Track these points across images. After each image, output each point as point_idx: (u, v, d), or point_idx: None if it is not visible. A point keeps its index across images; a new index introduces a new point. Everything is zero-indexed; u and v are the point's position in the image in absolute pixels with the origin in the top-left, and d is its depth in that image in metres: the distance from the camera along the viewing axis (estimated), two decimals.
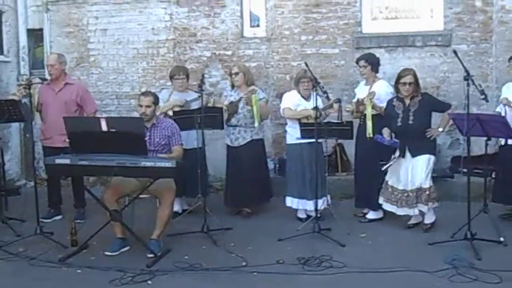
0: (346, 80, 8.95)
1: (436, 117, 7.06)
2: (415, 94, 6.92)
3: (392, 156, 6.90)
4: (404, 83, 6.83)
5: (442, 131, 7.12)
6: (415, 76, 6.90)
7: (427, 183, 6.82)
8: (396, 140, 6.91)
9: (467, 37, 8.66)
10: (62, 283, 5.56)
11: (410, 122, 6.84)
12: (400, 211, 6.96)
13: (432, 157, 6.91)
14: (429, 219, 6.97)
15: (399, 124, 6.89)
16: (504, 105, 6.99)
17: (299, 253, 6.14)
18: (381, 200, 7.12)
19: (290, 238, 6.69)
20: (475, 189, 6.63)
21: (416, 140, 6.84)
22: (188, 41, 9.55)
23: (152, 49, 9.68)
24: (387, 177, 7.07)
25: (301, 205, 7.48)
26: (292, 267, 5.81)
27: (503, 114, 6.97)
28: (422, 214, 6.95)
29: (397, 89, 6.98)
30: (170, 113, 7.36)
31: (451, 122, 6.94)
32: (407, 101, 6.91)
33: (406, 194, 6.88)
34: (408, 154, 6.87)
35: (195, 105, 7.50)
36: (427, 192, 6.79)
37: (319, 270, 5.73)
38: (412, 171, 6.85)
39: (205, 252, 6.36)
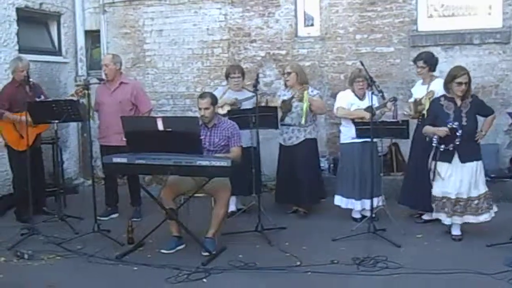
0: (402, 79, 8.86)
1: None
2: (467, 95, 6.58)
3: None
4: (460, 83, 6.43)
5: (485, 135, 6.81)
6: (469, 76, 6.55)
7: (484, 187, 6.61)
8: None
9: None
10: (119, 280, 5.64)
11: (464, 123, 6.46)
12: (448, 221, 6.65)
13: (481, 162, 6.61)
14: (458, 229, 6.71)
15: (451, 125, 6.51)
16: None
17: (354, 253, 6.10)
18: (442, 217, 6.69)
19: (345, 238, 6.66)
20: None
21: (466, 144, 6.46)
22: (243, 41, 9.59)
23: (207, 49, 9.76)
24: (440, 191, 6.66)
25: (350, 205, 7.45)
26: (347, 267, 5.77)
27: None
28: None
29: (448, 89, 6.58)
30: (220, 111, 7.38)
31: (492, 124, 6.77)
32: (459, 102, 6.55)
33: (454, 203, 6.56)
34: (456, 160, 6.50)
35: (246, 104, 7.55)
36: (484, 201, 6.58)
37: (374, 270, 5.67)
38: (473, 177, 6.52)
39: (259, 251, 6.37)
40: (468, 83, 6.52)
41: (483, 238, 6.51)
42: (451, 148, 6.43)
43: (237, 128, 6.74)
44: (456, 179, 6.50)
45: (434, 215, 6.82)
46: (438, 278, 5.44)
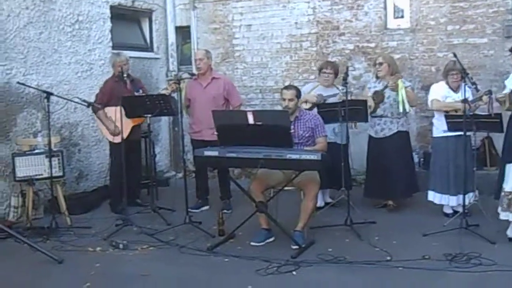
0: (495, 71, 8.60)
1: None
2: None
3: None
4: None
5: None
6: None
7: None
8: None
9: None
10: (211, 271, 5.72)
11: None
12: None
13: None
14: None
15: None
16: None
17: (446, 249, 5.98)
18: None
19: (436, 233, 6.54)
20: None
21: None
22: (331, 34, 9.55)
23: (295, 43, 9.77)
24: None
25: (444, 201, 7.32)
26: (439, 263, 5.67)
27: None
28: None
29: None
30: (303, 106, 7.37)
31: None
32: None
33: None
34: None
35: (332, 101, 7.51)
36: None
37: (467, 267, 5.55)
38: None
39: (348, 245, 6.35)
40: None
41: None
42: None
43: (320, 118, 6.75)
44: None
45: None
46: None
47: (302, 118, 6.68)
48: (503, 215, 6.41)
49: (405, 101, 7.33)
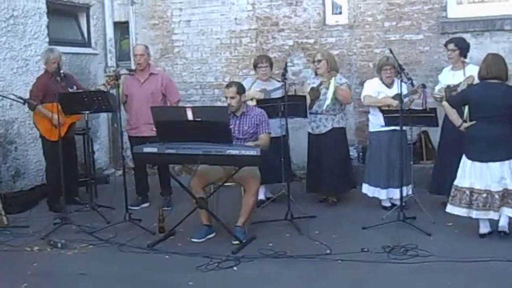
0: (431, 67, 8.76)
1: None
2: None
3: None
4: None
5: None
6: None
7: None
8: None
9: None
10: (151, 268, 5.69)
11: None
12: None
13: None
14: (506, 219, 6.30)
15: None
16: None
17: (384, 241, 6.10)
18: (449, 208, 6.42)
19: (375, 226, 6.66)
20: None
21: None
22: (271, 30, 9.57)
23: (235, 39, 9.76)
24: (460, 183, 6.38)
25: (376, 193, 7.45)
26: (377, 255, 5.78)
27: None
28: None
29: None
30: (250, 103, 7.39)
31: None
32: None
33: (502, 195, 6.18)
34: None
35: (275, 95, 7.54)
36: None
37: (404, 258, 5.68)
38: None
39: (289, 240, 6.40)
40: None
41: None
42: None
43: (266, 115, 6.76)
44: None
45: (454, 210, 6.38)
46: (469, 266, 5.42)
47: (248, 114, 6.69)
48: (463, 212, 6.24)
49: (330, 99, 7.39)
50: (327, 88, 7.42)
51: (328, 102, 7.43)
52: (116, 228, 6.80)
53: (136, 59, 7.87)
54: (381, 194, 7.41)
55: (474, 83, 6.64)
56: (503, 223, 6.21)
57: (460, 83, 6.96)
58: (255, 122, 6.65)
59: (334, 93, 7.37)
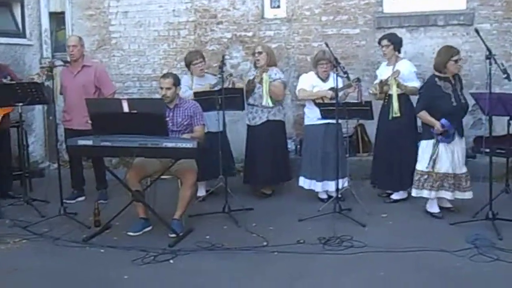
0: (367, 61, 8.91)
1: None
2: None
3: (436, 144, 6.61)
4: (457, 60, 6.62)
5: None
6: None
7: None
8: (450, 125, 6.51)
9: (490, 16, 8.55)
10: (86, 263, 5.63)
11: (463, 101, 6.64)
12: (456, 195, 6.75)
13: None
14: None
15: (454, 104, 6.56)
16: None
17: (320, 233, 6.17)
18: (426, 193, 6.75)
19: (311, 218, 6.72)
20: (497, 169, 6.63)
21: (461, 121, 6.74)
22: (209, 23, 9.54)
23: (173, 31, 9.70)
24: (421, 167, 6.76)
25: (312, 186, 7.50)
26: (313, 247, 5.84)
27: None
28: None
29: (444, 68, 6.60)
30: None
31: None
32: (452, 81, 6.68)
33: (457, 178, 6.69)
34: (457, 136, 6.62)
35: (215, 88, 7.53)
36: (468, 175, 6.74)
37: (339, 249, 5.76)
38: (460, 154, 6.68)
39: (226, 232, 6.41)
40: None
41: (446, 216, 6.66)
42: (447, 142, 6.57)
43: (199, 107, 6.75)
44: (453, 154, 6.63)
45: (416, 192, 6.80)
46: (401, 256, 5.54)
47: (181, 106, 6.65)
48: (415, 193, 6.79)
49: (267, 95, 7.45)
50: (260, 83, 7.45)
51: (265, 98, 7.46)
52: (51, 222, 6.68)
53: (69, 50, 7.70)
54: (317, 186, 7.46)
55: (400, 76, 6.93)
56: None
57: (389, 77, 7.10)
58: (189, 114, 6.61)
59: (269, 89, 7.42)
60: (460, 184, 6.70)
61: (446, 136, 6.50)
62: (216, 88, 7.41)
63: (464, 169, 6.72)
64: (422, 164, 6.72)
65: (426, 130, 6.70)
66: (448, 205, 6.89)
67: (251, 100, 7.63)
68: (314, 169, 7.41)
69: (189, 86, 7.55)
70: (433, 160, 6.59)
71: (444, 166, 6.60)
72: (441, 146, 6.56)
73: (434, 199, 6.75)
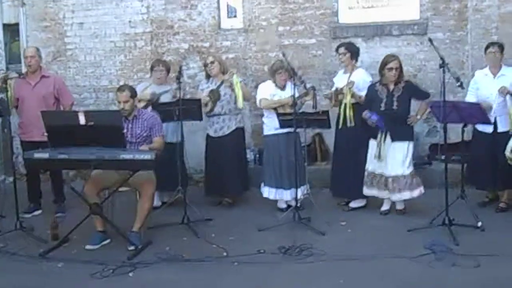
0: (324, 70, 8.97)
1: (413, 104, 7.13)
2: (399, 80, 7.00)
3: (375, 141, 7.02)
4: (391, 68, 6.90)
5: (420, 119, 7.24)
6: (399, 62, 7.01)
7: (410, 169, 7.02)
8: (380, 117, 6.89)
9: (442, 26, 8.71)
10: (44, 278, 5.54)
11: (394, 107, 6.94)
12: (382, 194, 7.15)
13: (412, 143, 7.07)
14: (401, 205, 7.21)
15: (382, 108, 6.95)
16: (506, 95, 6.80)
17: (280, 242, 6.16)
18: (364, 190, 7.22)
19: (271, 228, 6.72)
20: (453, 175, 6.72)
21: (398, 126, 6.94)
22: (166, 34, 9.51)
23: (130, 42, 9.63)
24: (367, 166, 7.18)
25: (278, 195, 7.49)
26: (273, 257, 5.85)
27: (496, 103, 6.90)
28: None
29: (382, 75, 7.03)
30: (138, 105, 7.27)
31: (428, 110, 7.05)
32: (391, 87, 6.99)
33: (384, 179, 7.06)
34: (388, 139, 6.95)
35: (165, 98, 7.51)
36: (413, 179, 7.00)
37: (299, 259, 5.77)
38: (392, 157, 6.97)
39: (186, 243, 6.37)
40: (399, 68, 6.96)
41: (404, 223, 6.73)
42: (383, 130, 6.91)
43: (158, 118, 6.72)
44: (389, 157, 6.95)
45: (367, 192, 7.21)
46: (361, 264, 5.58)
47: (140, 117, 6.60)
48: (367, 192, 7.23)
49: (241, 97, 7.48)
50: (229, 87, 7.47)
51: (240, 100, 7.48)
52: (6, 237, 6.53)
53: (27, 61, 7.60)
54: (285, 194, 7.45)
55: (355, 86, 7.09)
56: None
57: (344, 86, 7.17)
58: (148, 125, 6.57)
59: (241, 90, 7.46)
60: (393, 186, 7.02)
61: (377, 125, 6.90)
62: (162, 97, 7.43)
63: (397, 173, 6.98)
64: (367, 163, 7.23)
65: (370, 129, 7.08)
66: (400, 207, 7.20)
67: (217, 109, 7.60)
68: (280, 178, 7.42)
69: (140, 91, 7.48)
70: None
71: (371, 165, 7.12)
72: (371, 144, 7.05)
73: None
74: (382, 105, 6.96)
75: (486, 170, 7.12)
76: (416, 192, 7.04)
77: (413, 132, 7.20)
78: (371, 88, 7.13)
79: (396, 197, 7.06)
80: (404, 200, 7.14)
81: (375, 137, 7.03)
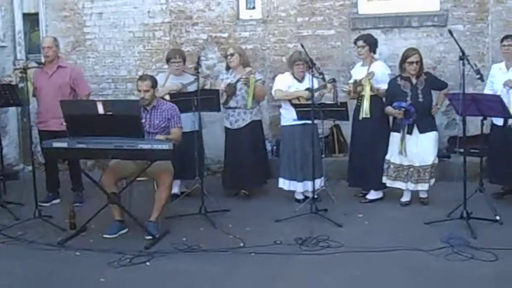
0: (342, 61, 8.93)
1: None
2: (420, 73, 7.09)
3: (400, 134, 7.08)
4: (412, 62, 7.00)
5: (439, 108, 7.34)
6: (420, 55, 7.09)
7: (437, 159, 7.15)
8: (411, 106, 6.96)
9: (463, 17, 8.63)
10: (61, 266, 5.57)
11: (420, 99, 7.02)
12: (407, 186, 7.17)
13: (437, 133, 7.22)
14: (424, 193, 7.30)
15: (408, 102, 7.01)
16: (510, 87, 6.87)
17: (297, 233, 6.17)
18: (384, 180, 7.25)
19: (287, 219, 6.73)
20: (471, 168, 6.69)
21: (424, 117, 7.06)
22: (184, 24, 9.50)
23: (148, 32, 9.62)
24: (387, 156, 7.20)
25: (292, 187, 7.50)
26: (290, 248, 5.85)
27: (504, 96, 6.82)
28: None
29: (403, 69, 7.13)
30: (167, 97, 7.31)
31: (447, 101, 7.03)
32: (414, 80, 7.09)
33: (411, 169, 7.09)
34: (416, 131, 7.03)
35: (191, 88, 7.50)
36: (434, 168, 7.11)
37: (316, 250, 5.78)
38: (423, 148, 7.05)
39: (203, 234, 6.39)
40: (420, 61, 7.06)
41: (421, 216, 6.70)
42: (411, 123, 6.97)
43: (177, 109, 6.71)
44: (417, 149, 7.03)
45: (390, 183, 7.24)
46: (378, 256, 5.57)
47: (159, 108, 6.61)
48: (390, 183, 7.25)
49: (251, 97, 7.50)
50: (246, 85, 7.47)
51: (249, 100, 7.51)
52: (25, 225, 6.61)
53: (44, 52, 7.64)
54: (298, 186, 7.46)
55: (374, 78, 7.10)
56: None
57: (363, 78, 7.15)
58: (167, 117, 6.57)
59: (255, 91, 7.46)
60: (419, 176, 7.09)
61: (407, 117, 6.95)
62: (189, 88, 7.41)
63: (427, 162, 7.05)
64: (388, 154, 7.17)
65: (394, 123, 7.23)
66: (423, 195, 7.28)
67: (232, 103, 7.61)
68: (294, 169, 7.43)
69: (161, 84, 7.49)
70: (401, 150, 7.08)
71: (397, 157, 7.14)
72: (392, 136, 7.17)
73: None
74: (408, 99, 7.01)
75: (503, 164, 7.09)
76: (432, 182, 7.15)
77: (435, 122, 7.32)
78: (392, 82, 7.19)
79: (423, 186, 7.12)
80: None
81: (397, 130, 7.08)
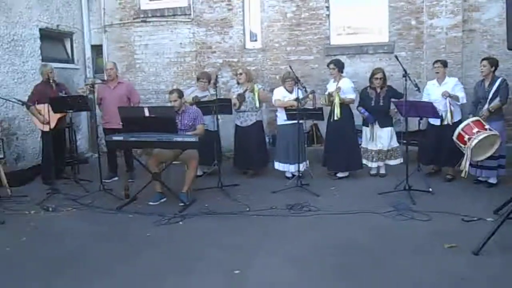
0: (318, 79, 8.85)
1: None
2: (383, 85, 7.18)
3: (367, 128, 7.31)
4: (377, 78, 7.14)
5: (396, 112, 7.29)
6: (383, 73, 7.20)
7: (396, 143, 7.25)
8: (369, 115, 7.18)
9: (405, 47, 8.57)
10: (119, 224, 5.57)
11: (381, 103, 7.13)
12: (374, 164, 7.35)
13: (393, 128, 7.33)
14: (383, 169, 7.45)
15: (373, 104, 7.18)
16: (446, 97, 6.77)
17: (287, 201, 6.15)
18: (369, 163, 7.39)
19: (280, 191, 6.69)
20: (412, 154, 6.64)
21: (383, 117, 7.18)
22: (206, 52, 9.43)
23: (180, 58, 9.56)
24: (363, 144, 7.42)
25: (286, 168, 7.45)
26: (282, 211, 5.83)
27: (442, 104, 6.84)
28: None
29: (371, 81, 7.22)
30: (188, 102, 7.23)
31: (394, 109, 7.00)
32: (378, 90, 7.19)
33: (378, 152, 7.28)
34: (377, 126, 7.19)
35: (204, 99, 7.46)
36: (397, 150, 7.29)
37: (301, 213, 5.75)
38: (382, 138, 7.20)
39: (219, 202, 6.35)
40: (383, 77, 7.18)
41: (376, 188, 6.64)
42: (373, 121, 7.22)
43: (200, 111, 6.66)
44: (379, 137, 7.24)
45: (365, 162, 7.39)
46: (344, 217, 5.56)
47: (187, 111, 6.56)
48: (365, 162, 7.39)
49: (257, 100, 7.45)
50: (251, 92, 7.42)
51: (256, 103, 7.46)
52: (93, 196, 6.60)
53: (107, 72, 7.64)
54: (290, 168, 7.39)
55: (341, 91, 7.11)
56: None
57: (333, 91, 7.10)
58: (193, 117, 6.52)
59: (259, 95, 7.42)
60: (386, 156, 7.29)
61: (367, 119, 7.22)
62: (203, 99, 7.39)
63: (389, 147, 7.26)
64: (363, 143, 7.45)
65: (364, 121, 7.39)
66: (383, 171, 7.45)
67: (243, 107, 7.56)
68: (287, 156, 7.36)
69: (187, 95, 7.40)
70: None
71: (364, 143, 7.39)
72: (364, 129, 7.37)
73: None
74: (372, 102, 7.17)
75: (434, 151, 7.06)
76: (397, 161, 7.29)
77: (392, 120, 7.37)
78: (364, 91, 7.35)
79: (394, 162, 7.29)
80: (386, 166, 7.40)
81: (366, 125, 7.31)
